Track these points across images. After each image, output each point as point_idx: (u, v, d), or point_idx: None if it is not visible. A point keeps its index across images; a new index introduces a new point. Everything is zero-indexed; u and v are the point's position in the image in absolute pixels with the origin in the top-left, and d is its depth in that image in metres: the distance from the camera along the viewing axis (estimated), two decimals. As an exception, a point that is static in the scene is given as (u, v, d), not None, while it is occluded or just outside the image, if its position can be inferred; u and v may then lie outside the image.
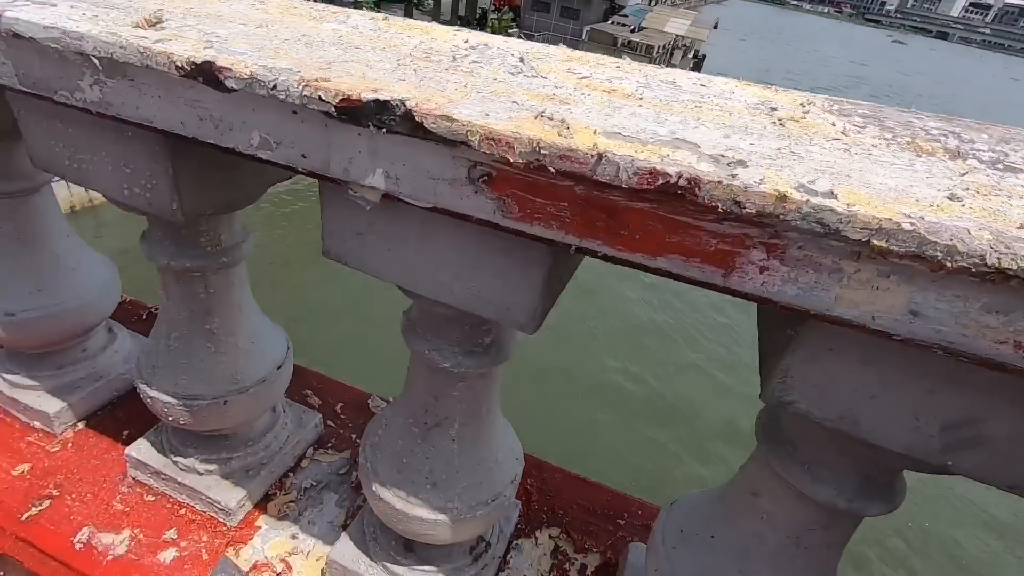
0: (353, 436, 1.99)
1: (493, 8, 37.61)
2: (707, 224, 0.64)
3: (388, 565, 1.45)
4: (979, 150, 0.74)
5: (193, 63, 0.78)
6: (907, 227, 0.54)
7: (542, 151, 0.64)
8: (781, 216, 0.58)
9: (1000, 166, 0.70)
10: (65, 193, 10.35)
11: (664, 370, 8.93)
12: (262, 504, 1.72)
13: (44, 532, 1.58)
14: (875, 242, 0.55)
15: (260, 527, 1.66)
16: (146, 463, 1.69)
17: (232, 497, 1.63)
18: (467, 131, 0.67)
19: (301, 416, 1.92)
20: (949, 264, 0.54)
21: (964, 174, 0.66)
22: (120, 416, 1.95)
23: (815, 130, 0.72)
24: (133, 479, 1.74)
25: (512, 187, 0.71)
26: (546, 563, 1.65)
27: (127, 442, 1.78)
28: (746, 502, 1.08)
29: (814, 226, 0.57)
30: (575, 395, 7.88)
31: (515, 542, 1.70)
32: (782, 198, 0.57)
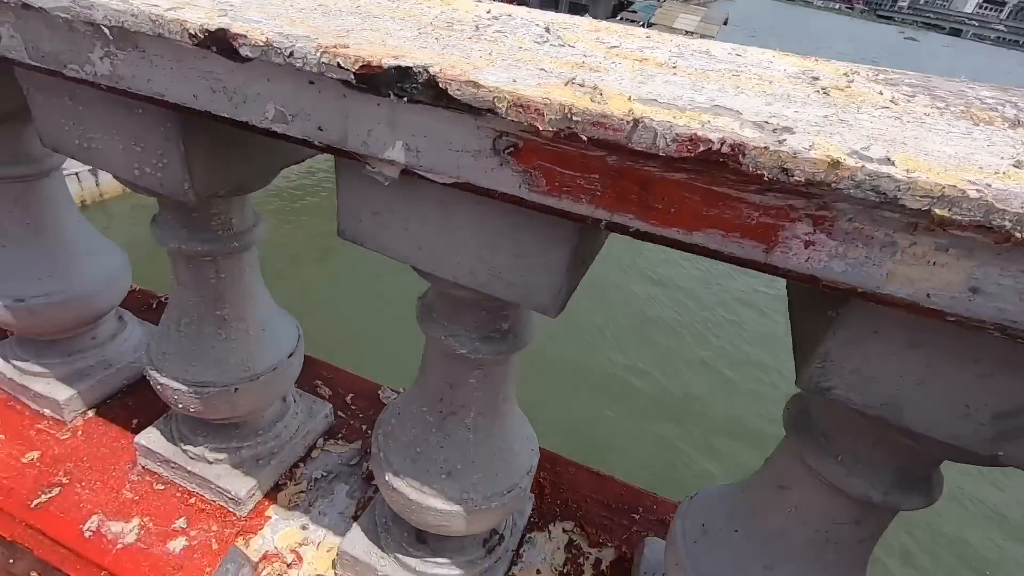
0: (364, 427, 1.97)
1: (501, 4, 37.39)
2: (749, 196, 0.60)
3: (400, 557, 1.42)
4: (1034, 122, 0.69)
5: (207, 30, 0.75)
6: (973, 194, 0.50)
7: (574, 117, 0.61)
8: (833, 184, 0.54)
9: (1059, 138, 0.66)
10: (75, 187, 10.40)
11: (672, 366, 8.87)
12: (272, 494, 1.70)
13: (53, 519, 1.57)
14: (936, 211, 0.51)
15: (270, 517, 1.64)
16: (156, 451, 1.67)
17: (242, 486, 1.61)
18: (494, 97, 0.64)
19: (311, 406, 1.90)
20: (1018, 234, 0.50)
21: (1024, 144, 0.62)
22: (130, 404, 1.94)
23: (862, 99, 0.68)
24: (143, 467, 1.73)
25: (540, 158, 0.67)
26: (560, 557, 1.62)
27: (137, 430, 1.77)
28: (773, 496, 1.04)
29: (869, 195, 0.53)
30: (583, 390, 7.84)
31: (528, 535, 1.67)
32: (834, 164, 0.53)
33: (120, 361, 1.96)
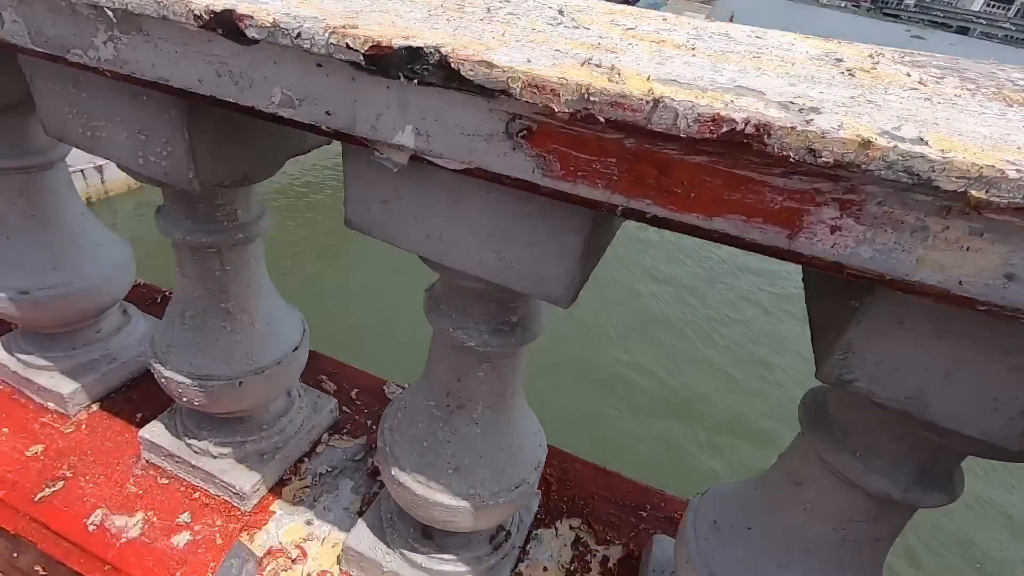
0: (369, 422, 1.96)
1: (506, 1, 37.32)
2: (773, 179, 0.58)
3: (406, 552, 1.41)
4: (1067, 106, 0.67)
5: (212, 12, 0.74)
6: (1012, 175, 0.48)
7: (591, 97, 0.59)
8: (863, 166, 0.52)
9: (1094, 122, 0.64)
10: (81, 184, 10.43)
11: (676, 364, 8.83)
12: (277, 489, 1.68)
13: (57, 513, 1.56)
14: (973, 193, 0.49)
15: (275, 512, 1.63)
16: (160, 445, 1.66)
17: (246, 481, 1.60)
18: (508, 78, 0.61)
19: (316, 401, 1.89)
20: (1059, 217, 0.47)
21: (1058, 127, 0.60)
22: (134, 398, 1.93)
23: (889, 80, 0.65)
24: (147, 462, 1.72)
25: (554, 142, 0.65)
26: (567, 554, 1.61)
27: (141, 425, 1.75)
28: (787, 492, 1.02)
29: (901, 176, 0.51)
30: (586, 387, 7.82)
31: (535, 532, 1.65)
32: (865, 144, 0.51)
33: (125, 355, 1.95)
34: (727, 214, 0.61)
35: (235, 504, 1.62)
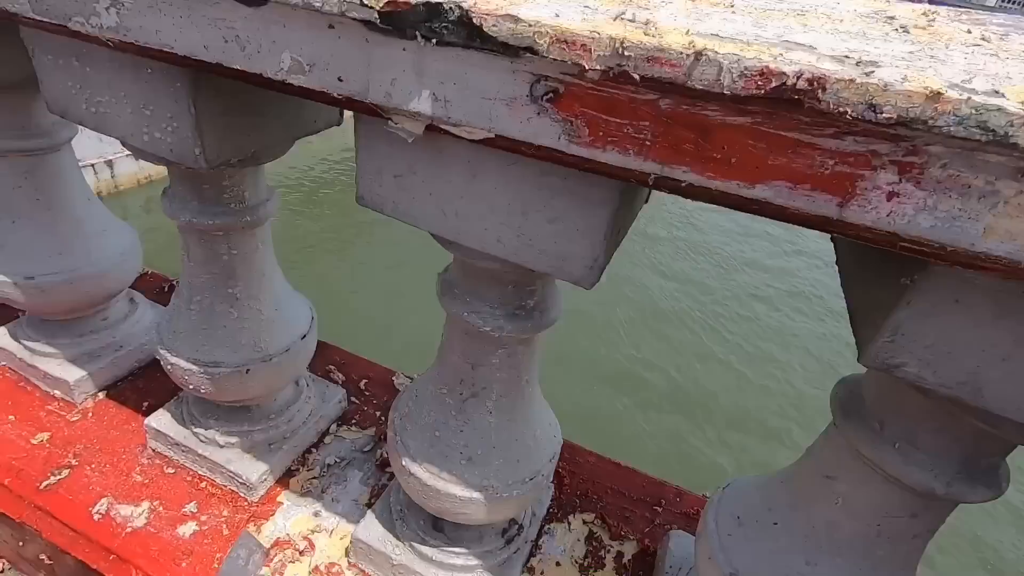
0: (378, 413, 1.92)
1: None
2: (824, 141, 0.53)
3: (416, 545, 1.37)
4: None
5: (218, -30, 0.69)
6: (1103, 128, 0.43)
7: (625, 52, 0.54)
8: (930, 122, 0.47)
9: None
10: (91, 178, 10.49)
11: (684, 360, 8.78)
12: (284, 480, 1.65)
13: (62, 502, 1.54)
14: (1056, 150, 0.44)
15: (282, 503, 1.59)
16: (166, 434, 1.63)
17: (253, 471, 1.57)
18: (534, 33, 0.57)
19: (324, 391, 1.86)
20: None
21: None
22: (141, 387, 1.90)
23: (948, 37, 0.60)
24: (153, 451, 1.69)
25: (583, 105, 0.61)
26: (580, 549, 1.57)
27: (147, 413, 1.73)
28: (818, 486, 0.97)
29: (973, 132, 0.46)
30: (594, 383, 7.78)
31: (547, 526, 1.61)
32: (933, 97, 0.46)
33: (131, 343, 1.92)
34: (771, 180, 0.57)
35: (242, 494, 1.59)
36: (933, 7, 0.69)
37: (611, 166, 0.63)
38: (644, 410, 7.59)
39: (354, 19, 0.65)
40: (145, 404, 1.83)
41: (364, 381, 2.04)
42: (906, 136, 0.50)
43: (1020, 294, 0.58)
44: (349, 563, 1.46)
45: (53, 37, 0.98)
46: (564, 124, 0.63)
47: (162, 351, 1.44)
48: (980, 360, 0.62)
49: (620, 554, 1.57)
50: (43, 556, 1.58)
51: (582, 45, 0.56)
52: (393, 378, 2.08)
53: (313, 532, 1.53)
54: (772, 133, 0.54)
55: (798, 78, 0.50)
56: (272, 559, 1.45)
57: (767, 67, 0.50)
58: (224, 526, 1.52)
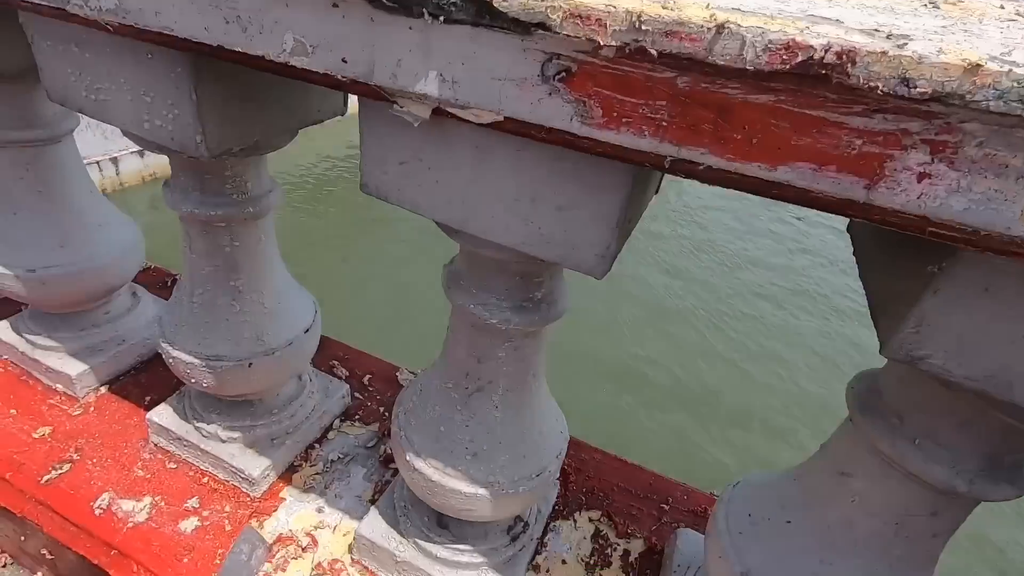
0: (381, 409, 1.90)
1: None
2: (851, 119, 0.50)
3: (420, 542, 1.35)
4: None
5: (218, -53, 0.67)
6: None
7: (643, 27, 0.52)
8: (968, 96, 0.44)
9: None
10: (96, 175, 10.51)
11: (688, 358, 8.74)
12: (287, 475, 1.64)
13: (64, 496, 1.52)
14: (1104, 125, 0.41)
15: (285, 499, 1.58)
16: (168, 428, 1.62)
17: (256, 466, 1.55)
18: (547, 7, 0.55)
19: (328, 386, 1.84)
20: None
21: None
22: (143, 382, 1.89)
23: (980, 12, 0.58)
24: (155, 445, 1.68)
25: (596, 84, 0.58)
26: (586, 547, 1.54)
27: (150, 408, 1.71)
28: (833, 483, 0.95)
29: (1015, 107, 0.43)
30: (597, 381, 7.75)
31: (553, 524, 1.59)
32: (972, 69, 0.43)
33: (134, 337, 1.91)
34: (794, 162, 0.54)
35: (244, 490, 1.57)
36: (962, -16, 0.67)
37: (625, 149, 0.61)
38: (647, 408, 7.56)
39: (359, -4, 0.63)
40: (147, 399, 1.82)
41: (368, 377, 2.02)
42: (940, 113, 0.47)
43: (1055, 282, 0.55)
44: (352, 560, 1.45)
45: (52, 22, 0.96)
46: (576, 105, 0.60)
47: (164, 344, 1.42)
48: (1010, 352, 0.60)
49: (627, 552, 1.55)
50: (44, 551, 1.56)
51: (597, 20, 0.53)
52: (397, 374, 2.06)
53: (316, 528, 1.51)
54: (796, 112, 0.52)
55: (826, 51, 0.47)
56: (274, 555, 1.44)
57: (793, 40, 0.48)
58: (226, 522, 1.50)
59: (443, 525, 1.37)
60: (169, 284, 2.32)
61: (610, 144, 0.61)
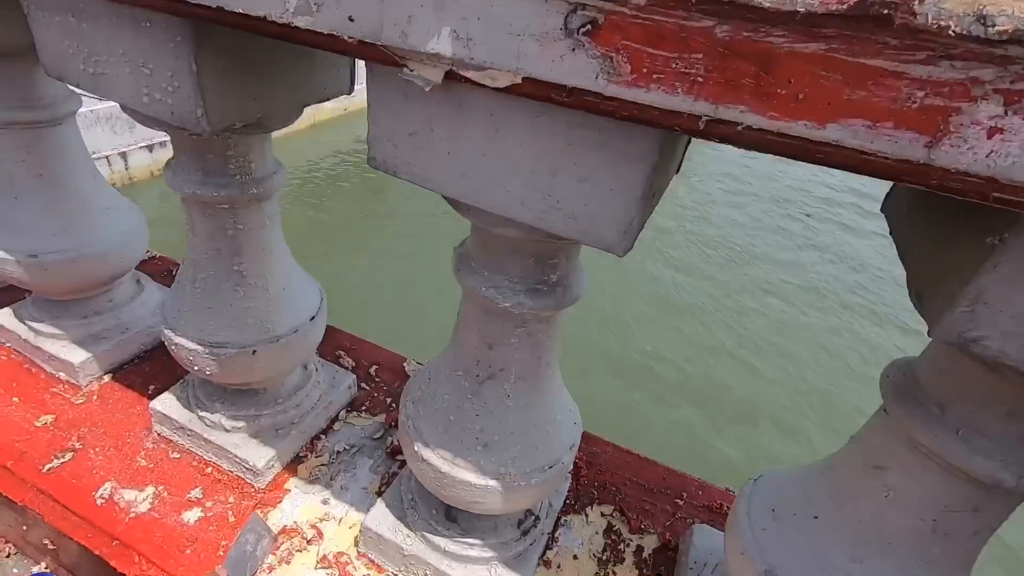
0: (388, 400, 1.87)
1: None
2: (913, 68, 0.45)
3: (428, 535, 1.31)
4: None
5: None
6: None
7: (681, -33, 0.47)
8: (1055, 34, 0.39)
9: None
10: (105, 170, 10.53)
11: (696, 353, 8.68)
12: (292, 466, 1.60)
13: (65, 485, 1.49)
14: None
15: (290, 490, 1.54)
16: (171, 417, 1.59)
17: (260, 456, 1.52)
18: (573, -51, 0.50)
19: (334, 376, 1.80)
20: None
21: None
22: (147, 370, 1.86)
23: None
24: (158, 435, 1.65)
25: (625, 37, 0.53)
26: (598, 542, 1.50)
27: (153, 397, 1.68)
28: (865, 477, 0.90)
29: (1110, 45, 0.38)
30: (605, 375, 7.71)
31: (564, 518, 1.54)
32: (1062, 3, 0.38)
33: (137, 325, 1.88)
34: (845, 119, 0.49)
35: (248, 480, 1.54)
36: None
37: (655, 109, 0.56)
38: (655, 402, 7.50)
39: (367, -55, 0.58)
40: (151, 388, 1.79)
41: (374, 367, 1.99)
42: (1018, 58, 0.42)
43: None
44: (358, 553, 1.41)
45: (47, -11, 0.92)
46: (603, 60, 0.55)
47: (166, 331, 1.39)
48: (1078, 332, 0.55)
49: (640, 548, 1.50)
50: (47, 541, 1.54)
51: (629, -39, 0.48)
52: (404, 364, 2.02)
53: (321, 520, 1.48)
54: (850, 61, 0.47)
55: (890, -12, 0.42)
56: (279, 547, 1.40)
57: (852, -24, 0.43)
58: (230, 513, 1.47)
59: (452, 518, 1.33)
60: (173, 273, 2.29)
61: (638, 104, 0.56)
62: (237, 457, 1.52)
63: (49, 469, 1.53)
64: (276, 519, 1.47)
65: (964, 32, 0.41)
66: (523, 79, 0.61)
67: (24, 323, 1.81)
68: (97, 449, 1.59)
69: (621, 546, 1.50)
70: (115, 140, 10.44)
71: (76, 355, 1.75)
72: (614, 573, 1.43)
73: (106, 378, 1.81)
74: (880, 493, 0.87)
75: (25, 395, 1.73)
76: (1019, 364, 0.58)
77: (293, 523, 1.46)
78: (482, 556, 1.31)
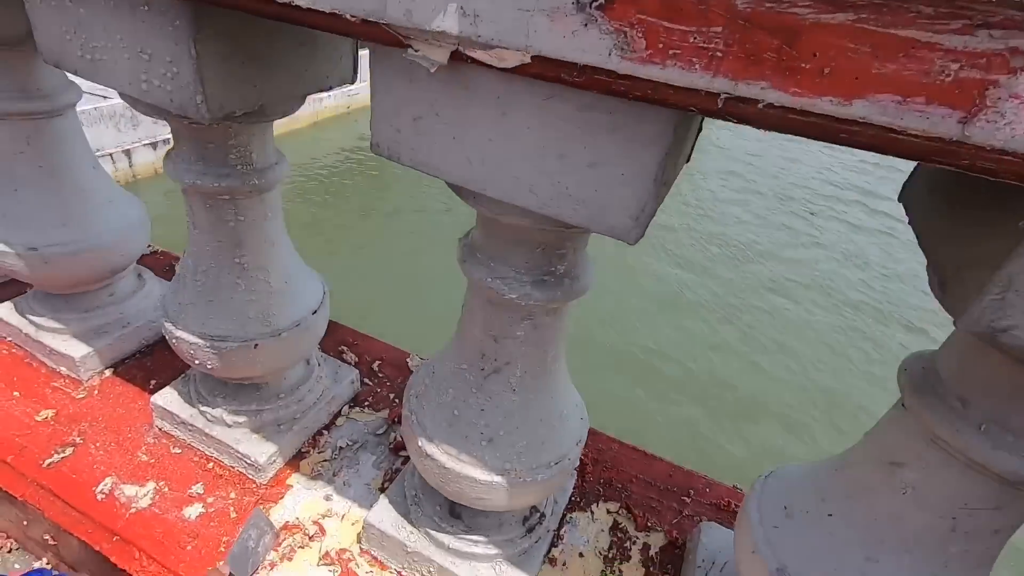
0: (391, 395, 1.85)
1: None
2: (948, 39, 0.43)
3: (431, 532, 1.29)
4: None
5: None
6: None
7: (701, -68, 0.44)
8: (1105, -3, 0.36)
9: None
10: (109, 167, 10.55)
11: (700, 351, 8.65)
12: (294, 462, 1.58)
13: (66, 480, 1.48)
14: None
15: (292, 486, 1.53)
16: (172, 412, 1.57)
17: (262, 452, 1.50)
18: (587, -85, 0.47)
19: (337, 371, 1.78)
20: None
21: None
22: (148, 365, 1.84)
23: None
24: (159, 430, 1.63)
25: (640, 10, 0.51)
26: (604, 540, 1.48)
27: (154, 392, 1.67)
28: (881, 473, 0.87)
29: None
30: (608, 372, 7.69)
31: (569, 515, 1.52)
32: (1114, -37, 0.36)
33: (139, 319, 1.87)
34: (874, 94, 0.47)
35: (250, 476, 1.52)
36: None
37: (671, 87, 0.54)
38: (658, 399, 7.48)
39: (370, -83, 0.56)
40: (152, 382, 1.77)
41: (377, 362, 1.97)
42: (1062, 25, 0.39)
43: None
44: (361, 549, 1.39)
45: (43, -27, 0.90)
46: (616, 36, 0.53)
47: (167, 324, 1.37)
48: (1116, 320, 0.52)
49: (647, 546, 1.48)
50: (47, 536, 1.53)
51: (645, -73, 0.46)
52: (407, 360, 2.00)
53: (324, 516, 1.46)
54: (880, 32, 0.44)
55: (926, -49, 0.39)
56: (281, 543, 1.38)
57: (885, -61, 0.40)
58: (231, 508, 1.45)
59: (456, 515, 1.31)
60: (176, 268, 2.28)
61: (653, 82, 0.54)
62: (239, 452, 1.50)
63: (50, 464, 1.51)
64: (278, 515, 1.45)
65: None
66: (532, 58, 0.59)
67: (25, 317, 1.80)
68: (98, 444, 1.58)
69: (627, 544, 1.48)
70: (119, 137, 10.44)
71: (77, 349, 1.73)
72: (620, 571, 1.41)
73: (107, 373, 1.80)
74: (897, 490, 0.85)
75: (26, 390, 1.72)
76: (1051, 355, 0.56)
77: (295, 519, 1.44)
78: (487, 553, 1.28)
